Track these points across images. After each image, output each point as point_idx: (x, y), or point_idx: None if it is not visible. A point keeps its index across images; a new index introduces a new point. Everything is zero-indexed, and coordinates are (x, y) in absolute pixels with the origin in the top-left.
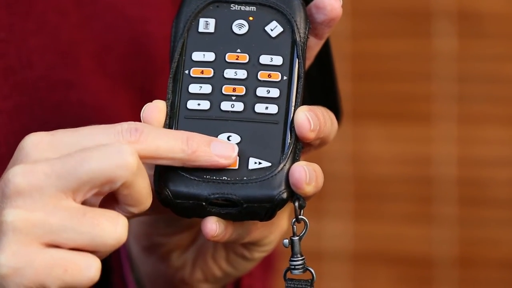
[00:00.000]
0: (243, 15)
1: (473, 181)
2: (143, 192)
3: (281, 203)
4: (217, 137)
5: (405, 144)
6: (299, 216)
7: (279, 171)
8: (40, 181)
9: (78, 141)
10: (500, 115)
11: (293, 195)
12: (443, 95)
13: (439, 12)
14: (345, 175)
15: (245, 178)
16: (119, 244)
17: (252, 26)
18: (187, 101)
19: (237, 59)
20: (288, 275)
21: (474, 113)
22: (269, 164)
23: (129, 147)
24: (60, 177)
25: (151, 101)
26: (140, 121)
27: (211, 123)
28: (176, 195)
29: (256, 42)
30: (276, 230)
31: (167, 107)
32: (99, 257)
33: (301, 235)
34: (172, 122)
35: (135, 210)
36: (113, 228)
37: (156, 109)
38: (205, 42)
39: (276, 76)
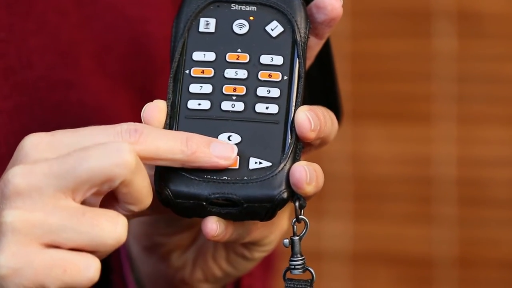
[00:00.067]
0: (244, 15)
1: (473, 181)
2: (142, 191)
3: (281, 203)
4: (217, 137)
5: (405, 144)
6: (300, 216)
7: (279, 171)
8: (39, 182)
9: (78, 141)
10: (500, 115)
11: (294, 195)
12: (443, 95)
13: (439, 12)
14: (345, 175)
15: (245, 178)
16: (119, 244)
17: (253, 26)
18: (187, 101)
19: (237, 59)
20: (288, 275)
21: (474, 113)
22: (269, 164)
23: (128, 145)
24: (59, 177)
25: (152, 101)
26: (140, 121)
27: (211, 123)
28: (177, 195)
29: (257, 42)
30: (276, 230)
31: (167, 107)
32: (98, 257)
33: (301, 235)
34: (172, 122)
35: (135, 208)
36: (112, 228)
37: (156, 109)
38: (206, 42)
39: (277, 76)
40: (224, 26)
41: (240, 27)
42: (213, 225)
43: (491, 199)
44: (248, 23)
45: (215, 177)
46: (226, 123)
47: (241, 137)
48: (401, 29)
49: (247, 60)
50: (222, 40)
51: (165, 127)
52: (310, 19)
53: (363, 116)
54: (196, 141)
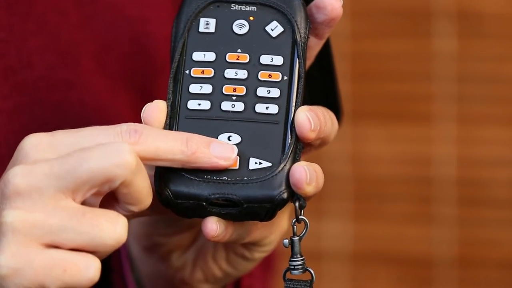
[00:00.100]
0: (244, 15)
1: (473, 181)
2: (142, 191)
3: (281, 203)
4: (217, 137)
5: (404, 144)
6: (300, 216)
7: (279, 171)
8: (40, 182)
9: (78, 142)
10: (500, 115)
11: (294, 195)
12: (443, 95)
13: (439, 12)
14: (345, 175)
15: (245, 178)
16: (119, 244)
17: (253, 26)
18: (187, 101)
19: (237, 59)
20: (288, 275)
21: (473, 113)
22: (269, 164)
23: (128, 145)
24: (59, 177)
25: (152, 101)
26: (140, 121)
27: (211, 123)
28: (177, 195)
29: (257, 42)
30: (276, 230)
31: (167, 107)
32: (98, 257)
33: (301, 235)
34: (172, 122)
35: (135, 208)
36: (112, 229)
37: (156, 109)
38: (206, 42)
39: (277, 76)
40: (224, 26)
41: (240, 27)
42: (213, 226)
43: (491, 199)
44: (248, 23)
45: (215, 178)
46: (226, 123)
47: (241, 137)
48: (401, 29)
49: (247, 60)
50: (222, 40)
51: (165, 128)
52: (310, 19)
53: (363, 116)
54: (196, 141)
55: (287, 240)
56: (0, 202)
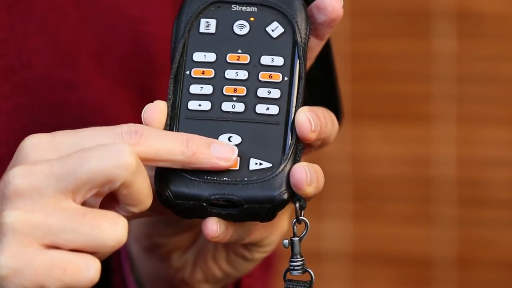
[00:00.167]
0: (244, 16)
1: (473, 182)
2: (143, 192)
3: (281, 204)
4: (218, 137)
5: (404, 145)
6: (300, 217)
7: (280, 172)
8: (40, 182)
9: (78, 142)
10: (500, 115)
11: (294, 196)
12: (443, 95)
13: (439, 12)
14: (344, 176)
15: (246, 178)
16: (119, 245)
17: (253, 26)
18: (188, 102)
19: (238, 59)
20: (288, 275)
21: (473, 114)
22: (270, 164)
23: (128, 146)
24: (60, 178)
25: (152, 102)
26: (140, 121)
27: (212, 123)
28: (177, 195)
29: (257, 42)
30: (276, 231)
31: (168, 108)
32: (99, 258)
33: (301, 236)
34: (173, 122)
35: (135, 209)
36: (113, 229)
37: (157, 110)
38: (206, 42)
39: (277, 77)
40: (224, 26)
41: (241, 27)
42: (213, 226)
43: (491, 199)
44: (249, 24)
45: (215, 178)
46: (227, 124)
47: (242, 138)
48: (400, 29)
49: (248, 61)
50: (223, 41)
51: (165, 128)
52: (310, 20)
53: (362, 116)
54: (197, 142)
55: (287, 241)
56: (0, 202)
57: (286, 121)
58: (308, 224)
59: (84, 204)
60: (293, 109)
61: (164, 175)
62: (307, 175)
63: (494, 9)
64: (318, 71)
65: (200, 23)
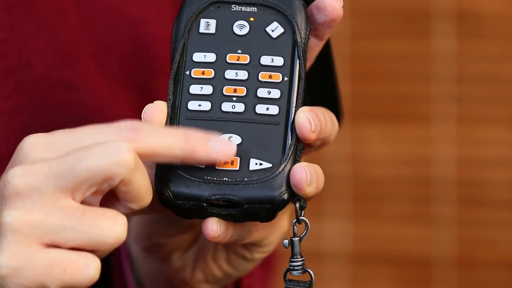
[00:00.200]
0: (244, 16)
1: (472, 182)
2: (142, 189)
3: (282, 204)
4: None
5: (404, 145)
6: (300, 217)
7: (280, 172)
8: (39, 182)
9: (77, 141)
10: (500, 115)
11: (294, 196)
12: (442, 95)
13: (438, 12)
14: (344, 176)
15: (246, 179)
16: (119, 243)
17: (253, 26)
18: (188, 102)
19: (238, 60)
20: (288, 275)
21: (473, 114)
22: (270, 165)
23: (126, 144)
24: (58, 177)
25: (152, 102)
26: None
27: (212, 124)
28: (177, 196)
29: (257, 43)
30: (276, 231)
31: (168, 108)
32: (98, 256)
33: (301, 236)
34: (173, 123)
35: (135, 206)
36: (112, 227)
37: (157, 110)
38: (206, 42)
39: (277, 77)
40: (224, 27)
41: (241, 28)
42: (213, 226)
43: (491, 199)
44: (249, 24)
45: (215, 178)
46: (227, 124)
47: (242, 138)
48: (400, 29)
49: (248, 61)
50: (223, 41)
51: None
52: (310, 20)
53: (362, 116)
54: (195, 137)
55: (287, 241)
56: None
57: (286, 121)
58: (308, 224)
59: (83, 202)
60: (293, 109)
61: (164, 175)
62: (307, 175)
63: (494, 9)
64: (318, 71)
65: (200, 23)
